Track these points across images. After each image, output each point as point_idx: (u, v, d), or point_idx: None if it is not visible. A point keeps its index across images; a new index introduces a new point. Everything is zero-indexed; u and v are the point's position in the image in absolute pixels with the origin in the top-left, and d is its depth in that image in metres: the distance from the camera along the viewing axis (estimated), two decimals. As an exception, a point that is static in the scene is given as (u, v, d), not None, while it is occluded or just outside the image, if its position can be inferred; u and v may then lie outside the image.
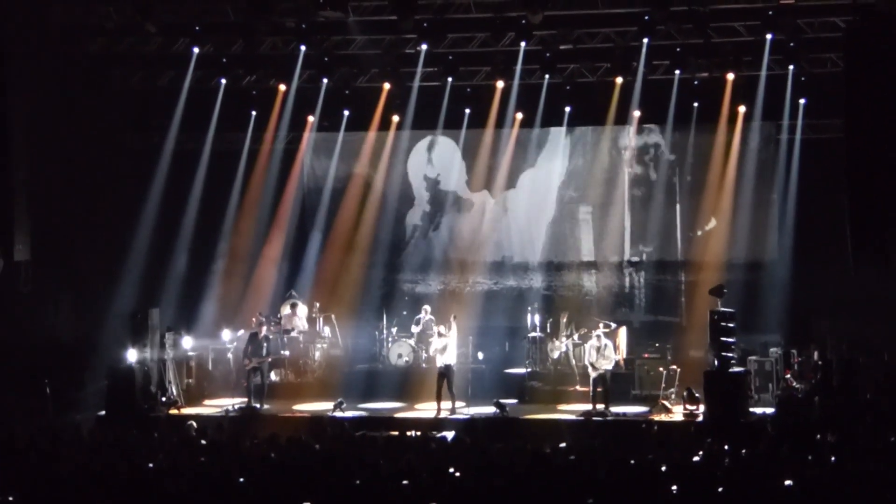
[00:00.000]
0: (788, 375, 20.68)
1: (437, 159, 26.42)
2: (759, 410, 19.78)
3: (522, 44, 23.02)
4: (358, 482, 12.07)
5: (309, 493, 11.74)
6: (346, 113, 25.64)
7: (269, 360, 21.50)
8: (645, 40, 22.61)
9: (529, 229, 26.10)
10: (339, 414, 20.25)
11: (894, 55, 19.59)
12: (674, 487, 11.65)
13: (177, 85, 24.50)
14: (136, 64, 24.52)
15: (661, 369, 20.98)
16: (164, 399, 21.01)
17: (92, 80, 24.26)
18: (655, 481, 12.04)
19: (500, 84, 24.32)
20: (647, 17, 21.86)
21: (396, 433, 17.44)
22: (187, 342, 22.44)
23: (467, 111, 25.32)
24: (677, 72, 23.40)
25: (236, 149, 25.75)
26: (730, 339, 19.65)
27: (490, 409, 20.23)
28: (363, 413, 20.73)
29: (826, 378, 19.84)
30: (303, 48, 23.52)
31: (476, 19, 22.69)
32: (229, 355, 22.61)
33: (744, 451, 14.01)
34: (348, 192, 26.27)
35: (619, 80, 23.89)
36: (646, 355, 22.01)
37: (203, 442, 15.49)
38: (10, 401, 20.42)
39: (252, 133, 25.74)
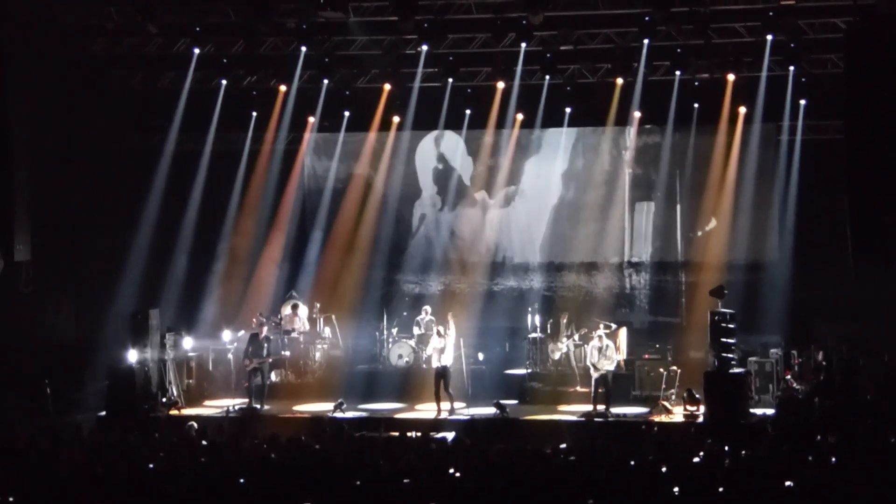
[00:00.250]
0: (789, 376, 20.66)
1: (444, 151, 26.40)
2: (759, 411, 19.79)
3: (523, 44, 23.01)
4: (358, 483, 12.07)
5: (309, 493, 11.74)
6: (347, 113, 25.64)
7: (270, 360, 21.51)
8: (645, 41, 22.61)
9: (530, 230, 26.09)
10: (339, 415, 20.26)
11: (895, 56, 19.58)
12: (675, 489, 11.65)
13: (177, 85, 24.51)
14: (137, 64, 24.54)
15: (661, 370, 20.99)
16: (164, 400, 21.02)
17: (92, 80, 24.29)
18: (656, 482, 12.04)
19: (500, 85, 24.32)
20: (647, 18, 21.86)
21: (397, 434, 17.43)
22: (188, 343, 22.45)
23: (468, 112, 25.32)
24: (678, 72, 23.39)
25: (237, 149, 25.75)
26: (730, 340, 19.66)
27: (490, 410, 20.23)
28: (363, 414, 20.74)
29: (826, 379, 19.86)
30: (303, 49, 23.52)
31: (477, 20, 22.70)
32: (230, 356, 22.59)
33: (744, 452, 14.01)
34: (349, 192, 26.27)
35: (620, 80, 23.89)
36: (646, 356, 22.00)
37: (203, 442, 15.48)
38: (11, 401, 20.48)
39: (252, 133, 25.74)
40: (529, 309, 23.49)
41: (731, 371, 19.58)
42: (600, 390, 20.07)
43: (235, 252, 25.74)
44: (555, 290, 25.75)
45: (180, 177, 25.03)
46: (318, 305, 23.86)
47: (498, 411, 20.10)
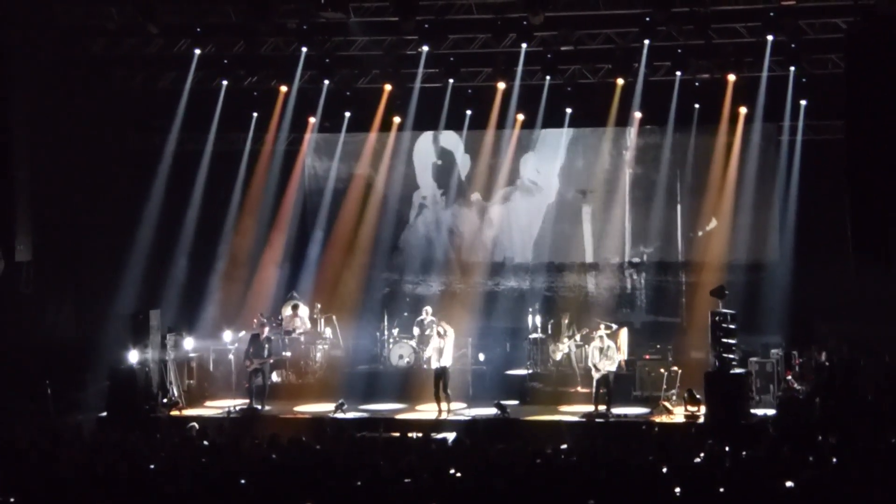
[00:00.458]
0: (789, 377, 20.66)
1: (442, 150, 26.39)
2: (760, 412, 19.79)
3: (523, 45, 23.01)
4: (359, 483, 12.08)
5: (310, 494, 11.75)
6: (348, 114, 25.65)
7: (271, 361, 21.52)
8: (646, 41, 22.60)
9: (530, 230, 26.09)
10: (340, 415, 20.27)
11: (895, 56, 19.58)
12: (676, 489, 11.65)
13: (178, 86, 24.51)
14: (138, 65, 24.55)
15: (661, 370, 20.99)
16: (165, 400, 21.03)
17: (93, 80, 24.29)
18: (656, 483, 12.04)
19: (501, 85, 24.33)
20: (648, 19, 21.86)
21: (397, 434, 17.44)
22: (188, 343, 22.45)
23: (468, 112, 25.32)
24: (678, 73, 23.38)
25: (237, 150, 25.76)
26: (731, 341, 19.67)
27: (491, 411, 20.24)
28: (364, 414, 20.75)
29: (827, 379, 19.84)
30: (304, 49, 23.52)
31: (477, 20, 22.69)
32: (230, 356, 22.60)
33: (745, 452, 13.99)
34: (349, 193, 26.27)
35: (620, 81, 23.89)
36: (647, 356, 22.00)
37: (204, 443, 15.49)
38: (12, 401, 20.46)
39: (253, 134, 25.74)
40: (530, 309, 23.50)
41: (731, 371, 19.58)
42: (602, 391, 20.07)
43: (236, 252, 25.74)
44: (555, 290, 25.75)
45: (181, 177, 25.03)
46: (319, 306, 23.87)
47: (499, 412, 20.10)
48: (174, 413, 20.79)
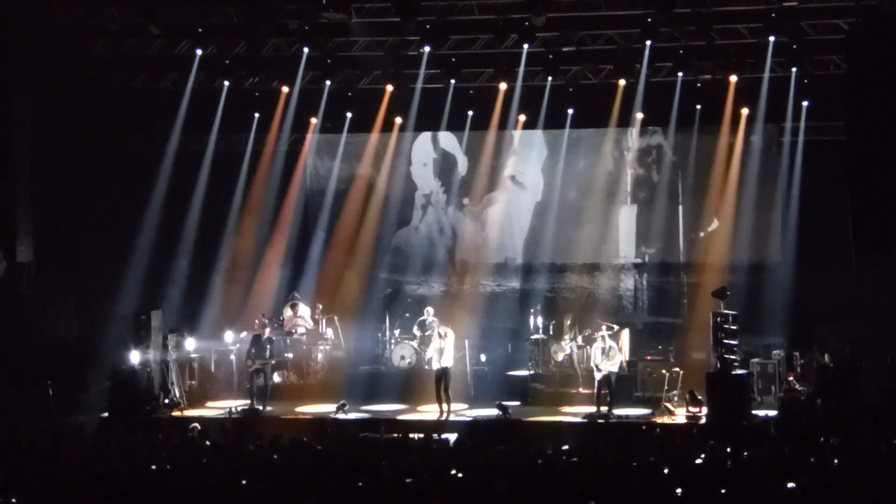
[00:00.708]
0: (791, 378, 20.66)
1: (442, 150, 26.38)
2: (761, 413, 19.79)
3: (525, 46, 23.02)
4: (360, 484, 12.08)
5: (311, 494, 11.75)
6: (349, 115, 25.65)
7: (273, 361, 21.51)
8: (648, 42, 22.62)
9: (532, 231, 26.07)
10: (341, 416, 20.27)
11: (897, 57, 19.61)
12: (677, 490, 11.65)
13: (180, 86, 24.53)
14: (139, 65, 24.56)
15: (663, 371, 20.99)
16: (166, 401, 21.04)
17: (95, 81, 24.29)
18: (658, 483, 12.05)
19: (502, 86, 24.33)
20: (649, 20, 21.87)
21: (399, 435, 17.43)
22: (190, 344, 22.46)
23: (470, 113, 25.31)
24: (680, 74, 23.41)
25: (239, 150, 25.76)
26: (732, 342, 19.66)
27: (493, 412, 20.25)
28: (365, 415, 20.75)
29: (829, 380, 19.82)
30: (305, 50, 23.55)
31: (479, 21, 22.70)
32: (232, 357, 22.61)
33: (746, 453, 13.99)
34: (351, 193, 26.27)
35: (622, 82, 23.90)
36: (648, 357, 22.02)
37: (206, 443, 15.50)
38: (13, 402, 20.47)
39: (255, 135, 25.74)
40: (532, 310, 23.53)
41: (733, 372, 19.58)
42: (604, 392, 20.08)
43: (237, 253, 25.74)
44: (557, 291, 25.73)
45: (183, 178, 25.04)
46: (321, 306, 23.88)
47: (500, 412, 20.11)
48: (176, 414, 20.80)
